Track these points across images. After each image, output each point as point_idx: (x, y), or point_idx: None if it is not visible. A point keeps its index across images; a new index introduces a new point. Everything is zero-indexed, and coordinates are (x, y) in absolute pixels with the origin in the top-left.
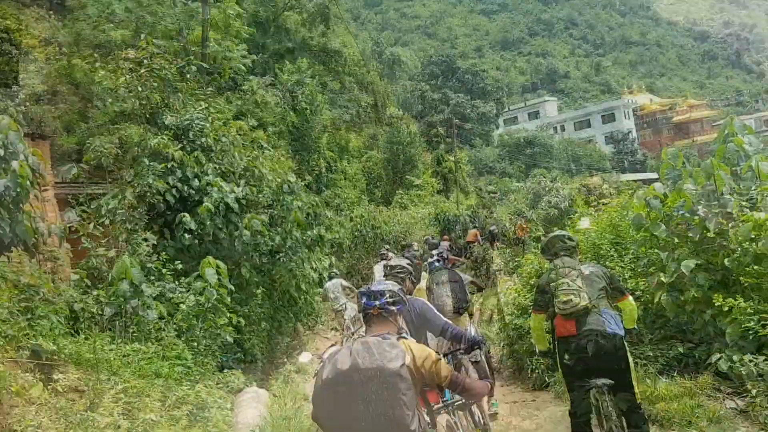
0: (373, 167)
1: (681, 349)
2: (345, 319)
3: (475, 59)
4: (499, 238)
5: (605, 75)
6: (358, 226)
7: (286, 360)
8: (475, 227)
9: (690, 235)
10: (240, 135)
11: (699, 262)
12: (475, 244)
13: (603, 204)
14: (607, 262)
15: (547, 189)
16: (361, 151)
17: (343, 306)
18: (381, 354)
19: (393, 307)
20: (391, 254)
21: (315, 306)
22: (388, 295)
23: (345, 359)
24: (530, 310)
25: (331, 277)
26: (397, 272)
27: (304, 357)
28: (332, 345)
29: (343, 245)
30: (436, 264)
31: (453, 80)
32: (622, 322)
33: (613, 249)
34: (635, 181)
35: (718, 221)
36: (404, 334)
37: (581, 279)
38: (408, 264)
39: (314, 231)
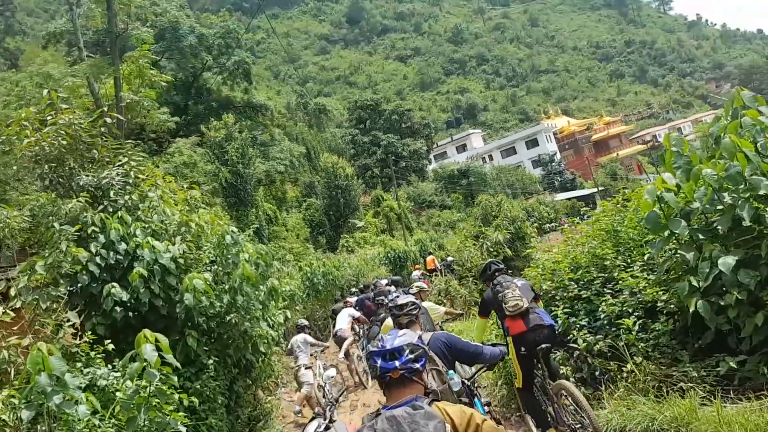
0: (314, 214)
1: (732, 363)
2: (303, 383)
3: (398, 101)
4: (454, 269)
5: (521, 104)
6: (308, 275)
7: None
8: (430, 254)
9: (719, 228)
10: (171, 193)
11: (738, 257)
12: (435, 272)
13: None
14: (614, 273)
15: (494, 214)
16: (299, 200)
17: (300, 367)
18: (416, 431)
19: (417, 365)
20: (390, 287)
21: (274, 367)
22: (408, 351)
23: None
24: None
25: (298, 330)
26: (409, 311)
27: None
28: (314, 417)
29: (295, 297)
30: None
31: (380, 122)
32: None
33: (619, 257)
34: (569, 199)
35: (751, 206)
36: (432, 395)
37: (518, 289)
38: (414, 299)
39: (267, 284)
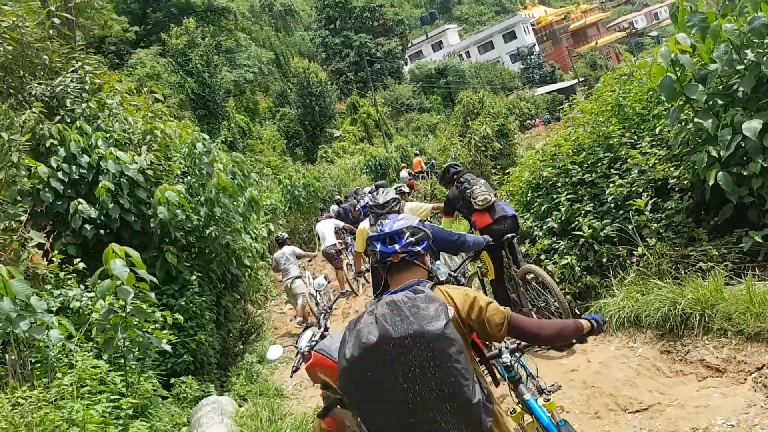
0: (289, 125)
1: (757, 238)
2: (298, 294)
3: None
4: (437, 171)
5: None
6: (289, 188)
7: (243, 349)
8: (416, 155)
9: (740, 90)
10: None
11: (765, 120)
12: (422, 173)
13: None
14: (621, 152)
15: (476, 111)
16: (272, 111)
17: (292, 279)
18: (416, 314)
19: (418, 248)
20: (365, 189)
21: (261, 281)
22: (408, 234)
23: (370, 329)
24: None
25: (280, 244)
26: (392, 208)
27: (274, 352)
28: (306, 327)
29: (276, 211)
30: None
31: (351, 21)
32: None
33: (626, 134)
34: (550, 92)
35: None
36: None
37: (483, 186)
38: (397, 192)
39: (246, 195)
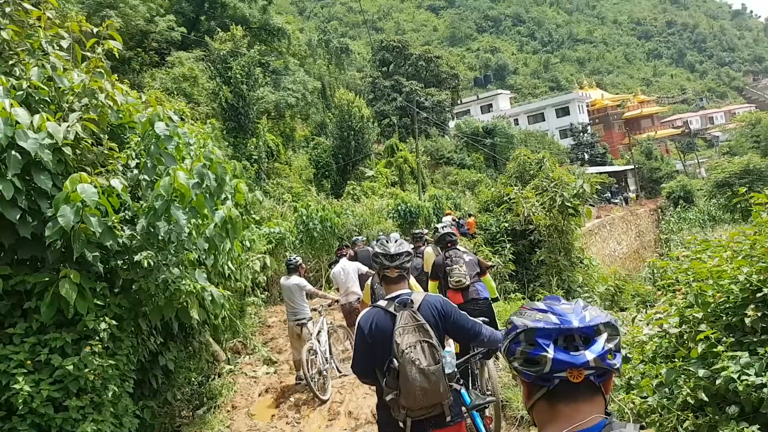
0: (321, 155)
1: None
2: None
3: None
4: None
5: (554, 71)
6: (304, 217)
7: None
8: (470, 215)
9: None
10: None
11: None
12: (474, 238)
13: None
14: None
15: (532, 172)
16: (308, 140)
17: (297, 322)
18: None
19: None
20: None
21: (239, 328)
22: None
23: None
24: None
25: (288, 270)
26: (402, 263)
27: None
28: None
29: (284, 241)
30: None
31: (405, 66)
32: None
33: None
34: (600, 173)
35: None
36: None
37: (465, 265)
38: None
39: (220, 212)
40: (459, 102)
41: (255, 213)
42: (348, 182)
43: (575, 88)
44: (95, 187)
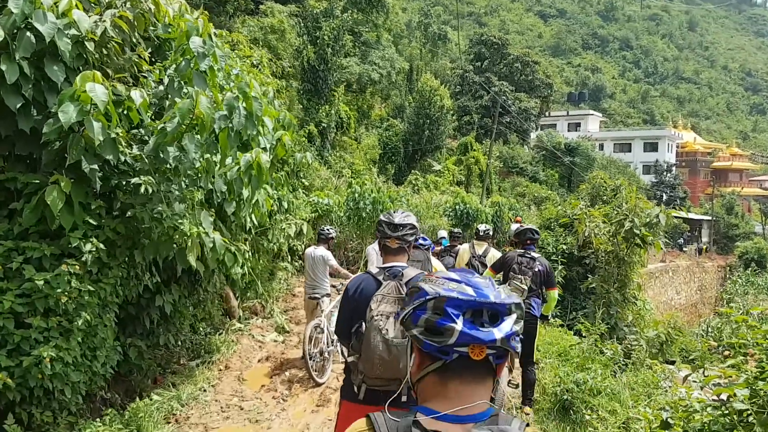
0: (392, 138)
1: None
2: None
3: (526, 51)
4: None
5: (651, 104)
6: (356, 195)
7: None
8: (517, 215)
9: None
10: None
11: None
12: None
13: None
14: None
15: (605, 198)
16: (382, 120)
17: (313, 295)
18: None
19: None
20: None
21: (258, 288)
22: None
23: None
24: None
25: (318, 240)
26: (404, 235)
27: None
28: None
29: (331, 214)
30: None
31: (500, 65)
32: (541, 307)
33: None
34: (677, 218)
35: None
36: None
37: (530, 278)
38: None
39: (247, 155)
40: (547, 114)
41: (305, 178)
42: (412, 171)
43: (669, 125)
44: (107, 90)
